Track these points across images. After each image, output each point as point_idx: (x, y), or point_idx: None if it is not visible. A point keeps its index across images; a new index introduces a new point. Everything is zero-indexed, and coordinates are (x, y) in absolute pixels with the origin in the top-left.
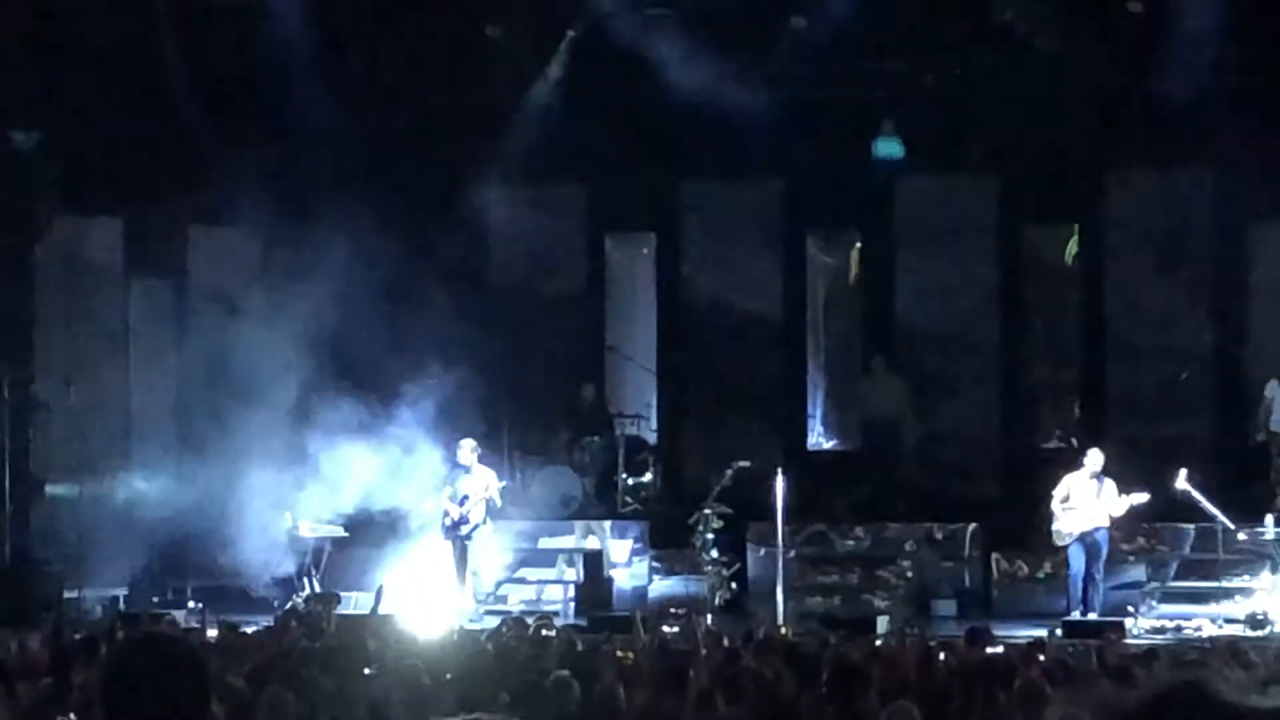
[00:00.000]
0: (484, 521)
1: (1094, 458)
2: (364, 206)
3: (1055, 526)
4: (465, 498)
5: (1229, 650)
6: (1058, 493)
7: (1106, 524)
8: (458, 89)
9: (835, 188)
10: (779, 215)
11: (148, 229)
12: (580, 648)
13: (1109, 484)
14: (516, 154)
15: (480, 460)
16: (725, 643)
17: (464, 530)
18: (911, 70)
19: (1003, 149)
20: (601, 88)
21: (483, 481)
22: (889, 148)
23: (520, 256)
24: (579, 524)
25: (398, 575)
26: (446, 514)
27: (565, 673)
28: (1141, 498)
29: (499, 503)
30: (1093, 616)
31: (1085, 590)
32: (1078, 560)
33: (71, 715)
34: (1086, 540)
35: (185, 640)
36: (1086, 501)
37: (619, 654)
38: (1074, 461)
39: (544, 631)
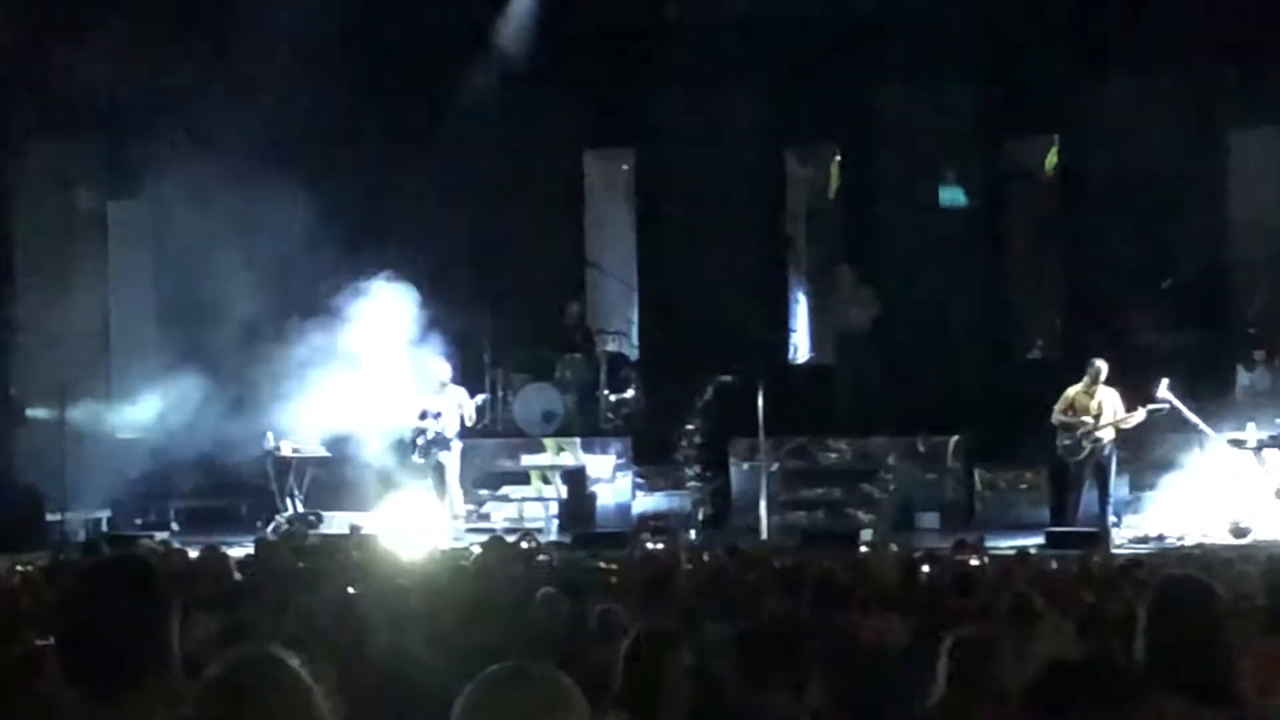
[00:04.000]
0: (456, 438)
1: (1097, 368)
2: (342, 123)
3: (1064, 441)
4: (439, 415)
5: (1213, 559)
6: (1060, 406)
7: (1112, 436)
8: (435, 3)
9: (814, 100)
10: (757, 128)
11: (127, 149)
12: (565, 565)
13: (1113, 394)
14: (495, 68)
15: (453, 380)
16: (708, 558)
17: (439, 448)
18: None
19: (982, 60)
20: (580, 2)
21: (455, 399)
22: (952, 195)
23: (499, 173)
24: (560, 441)
25: (378, 496)
26: (422, 432)
27: (553, 589)
28: (1160, 407)
29: (471, 419)
30: (1085, 529)
31: (1091, 507)
32: (1083, 476)
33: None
34: (1095, 456)
35: (147, 565)
36: (1090, 414)
37: (608, 568)
38: (1057, 372)
39: (525, 546)
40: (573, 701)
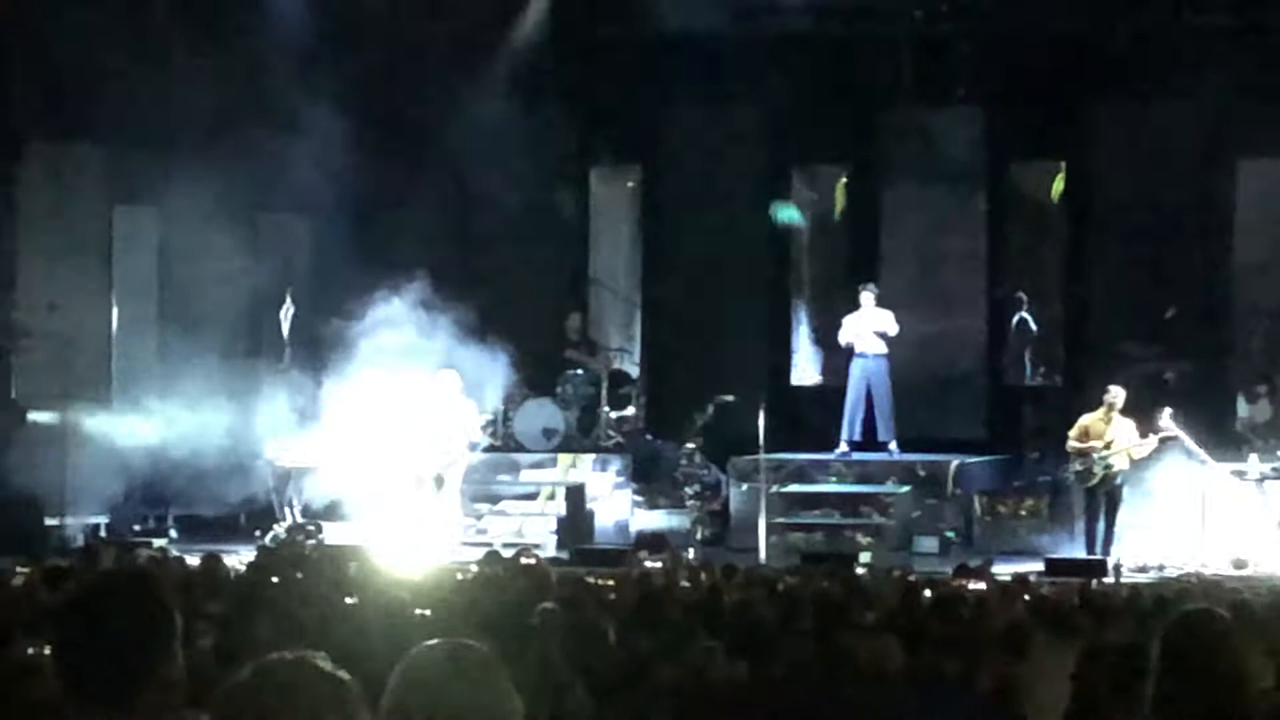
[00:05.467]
0: (465, 454)
1: (1114, 394)
2: (347, 135)
3: (1076, 467)
4: (446, 430)
5: (1214, 589)
6: (1074, 433)
7: (1126, 466)
8: (442, 18)
9: (820, 122)
10: (764, 149)
11: (131, 156)
12: (562, 580)
13: (1128, 424)
14: (503, 84)
15: (461, 393)
16: (705, 577)
17: (444, 462)
18: (898, 6)
19: (990, 84)
20: (588, 18)
21: (464, 414)
22: (788, 213)
23: (506, 189)
24: (561, 457)
25: (378, 507)
26: (427, 446)
27: (552, 604)
28: (1170, 433)
29: (479, 436)
30: (1087, 557)
31: (1100, 534)
32: (1095, 504)
33: (46, 649)
34: (1106, 484)
35: (152, 576)
36: (1105, 441)
37: (606, 584)
38: (1058, 399)
39: (523, 562)
40: (503, 680)
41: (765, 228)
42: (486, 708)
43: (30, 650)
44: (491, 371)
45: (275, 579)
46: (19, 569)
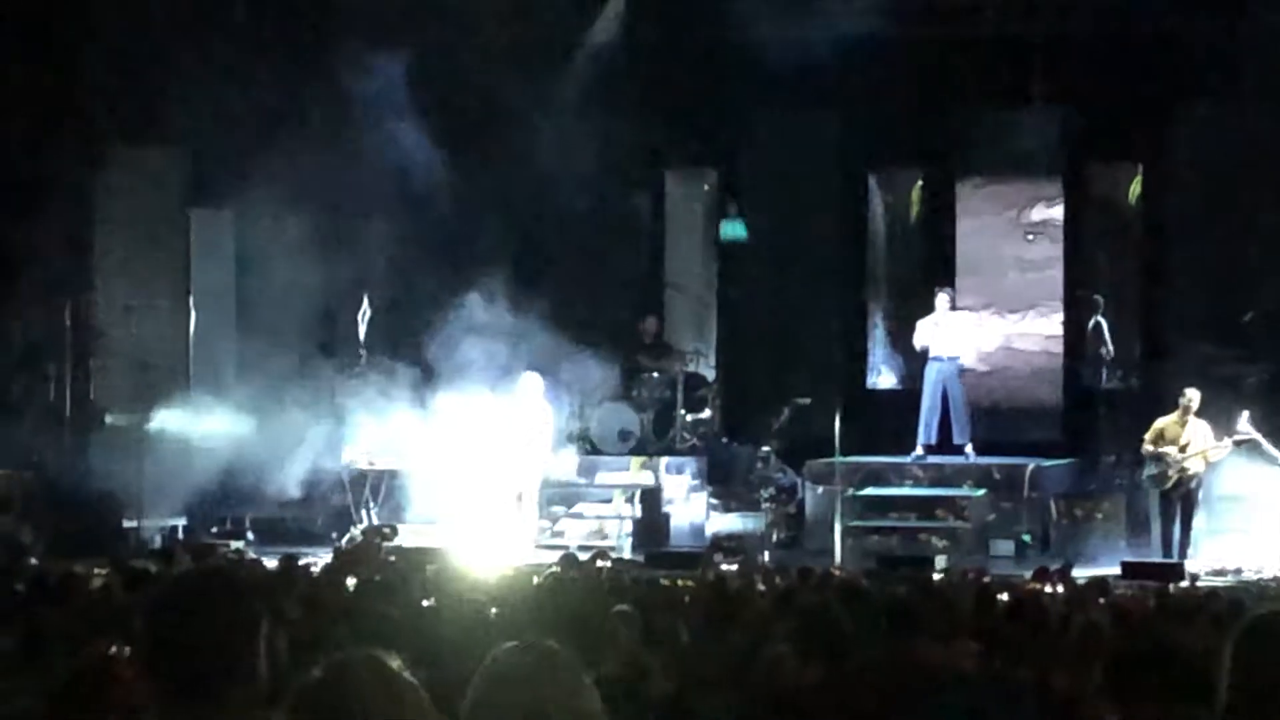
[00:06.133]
0: (544, 456)
1: (1189, 397)
2: (423, 137)
3: (1151, 471)
4: (525, 432)
5: None
6: (1150, 436)
7: (1201, 469)
8: (518, 19)
9: (896, 124)
10: (840, 152)
11: (207, 159)
12: (637, 582)
13: (1204, 426)
14: (579, 86)
15: (542, 395)
16: (780, 580)
17: (522, 464)
18: (974, 6)
19: (1067, 85)
20: (663, 22)
21: (543, 417)
22: (734, 229)
23: (580, 192)
24: (636, 460)
25: (454, 509)
26: (504, 448)
27: (627, 606)
28: (1248, 436)
29: (549, 441)
30: (1163, 560)
31: (1175, 537)
32: (1171, 507)
33: (126, 649)
34: (1182, 487)
35: (237, 576)
36: (1180, 444)
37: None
38: (1135, 402)
39: (599, 564)
40: (584, 682)
41: (841, 230)
42: (569, 709)
43: (112, 650)
44: (567, 375)
45: (352, 581)
46: (96, 571)
